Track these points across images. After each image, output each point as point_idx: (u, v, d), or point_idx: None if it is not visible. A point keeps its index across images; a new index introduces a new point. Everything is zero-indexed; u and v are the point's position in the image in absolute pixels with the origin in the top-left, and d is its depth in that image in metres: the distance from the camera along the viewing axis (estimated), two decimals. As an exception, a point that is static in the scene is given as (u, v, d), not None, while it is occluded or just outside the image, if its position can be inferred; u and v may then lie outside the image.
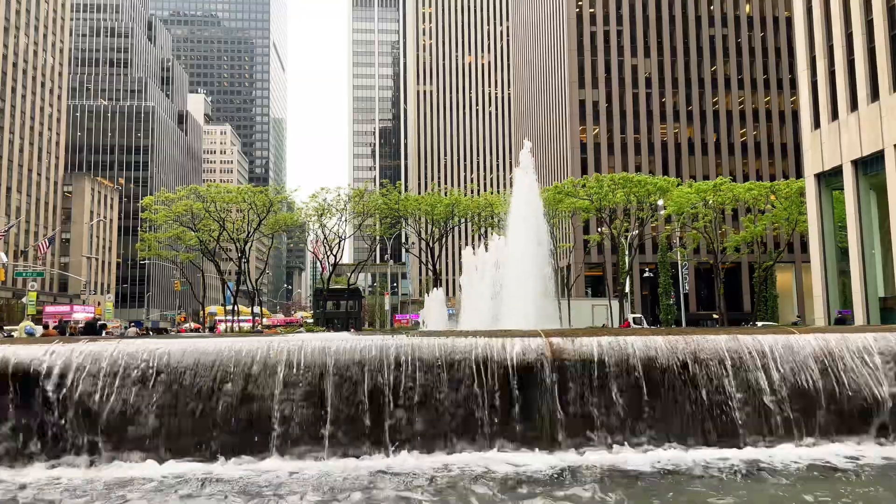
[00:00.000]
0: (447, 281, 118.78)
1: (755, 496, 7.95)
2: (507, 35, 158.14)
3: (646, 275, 74.41)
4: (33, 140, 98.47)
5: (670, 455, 9.32)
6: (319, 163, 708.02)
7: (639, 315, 60.34)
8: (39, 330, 42.42)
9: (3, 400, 9.34)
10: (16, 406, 9.32)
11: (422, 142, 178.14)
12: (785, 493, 8.00)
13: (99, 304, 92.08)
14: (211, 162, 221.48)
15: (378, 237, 67.80)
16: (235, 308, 67.14)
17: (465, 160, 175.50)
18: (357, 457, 9.23)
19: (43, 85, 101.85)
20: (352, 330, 44.34)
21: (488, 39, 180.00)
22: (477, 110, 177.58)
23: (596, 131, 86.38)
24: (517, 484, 8.23)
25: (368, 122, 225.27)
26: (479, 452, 9.31)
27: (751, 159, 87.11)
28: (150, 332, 61.59)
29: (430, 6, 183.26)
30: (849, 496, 7.79)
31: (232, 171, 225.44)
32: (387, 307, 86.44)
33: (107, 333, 35.98)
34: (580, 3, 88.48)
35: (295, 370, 9.57)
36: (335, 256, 63.42)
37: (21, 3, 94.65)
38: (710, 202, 56.86)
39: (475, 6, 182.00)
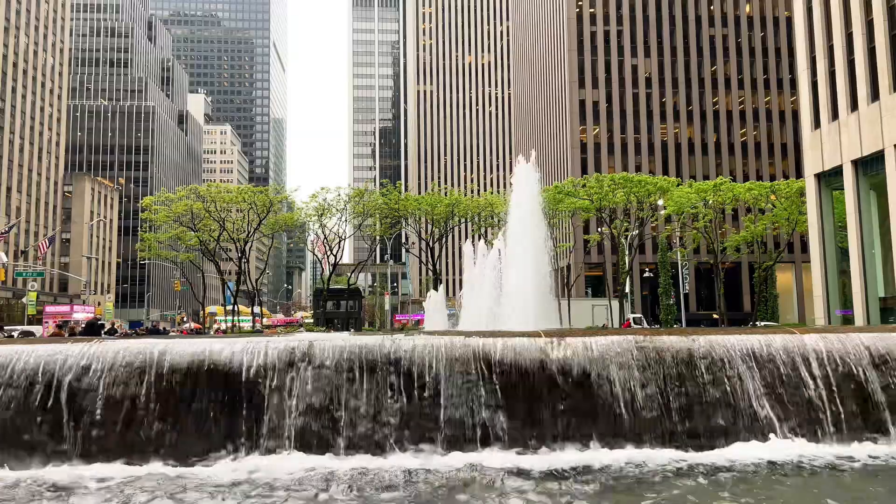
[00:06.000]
0: (447, 281, 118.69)
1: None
2: (507, 35, 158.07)
3: (646, 275, 74.37)
4: (33, 140, 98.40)
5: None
6: (319, 163, 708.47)
7: (639, 315, 60.30)
8: (39, 330, 42.44)
9: None
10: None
11: (422, 142, 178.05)
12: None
13: (99, 304, 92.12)
14: (211, 162, 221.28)
15: (378, 237, 67.67)
16: (235, 308, 67.07)
17: (465, 160, 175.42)
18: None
19: (43, 85, 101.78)
20: (351, 330, 44.29)
21: (488, 39, 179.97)
22: (477, 110, 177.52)
23: (596, 131, 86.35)
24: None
25: (368, 122, 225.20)
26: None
27: (751, 159, 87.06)
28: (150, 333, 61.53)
29: (430, 6, 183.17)
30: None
31: (232, 171, 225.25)
32: (387, 307, 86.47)
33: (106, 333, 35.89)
34: (580, 3, 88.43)
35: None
36: (335, 256, 63.34)
37: (21, 3, 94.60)
38: (710, 202, 56.79)
39: (475, 6, 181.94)
